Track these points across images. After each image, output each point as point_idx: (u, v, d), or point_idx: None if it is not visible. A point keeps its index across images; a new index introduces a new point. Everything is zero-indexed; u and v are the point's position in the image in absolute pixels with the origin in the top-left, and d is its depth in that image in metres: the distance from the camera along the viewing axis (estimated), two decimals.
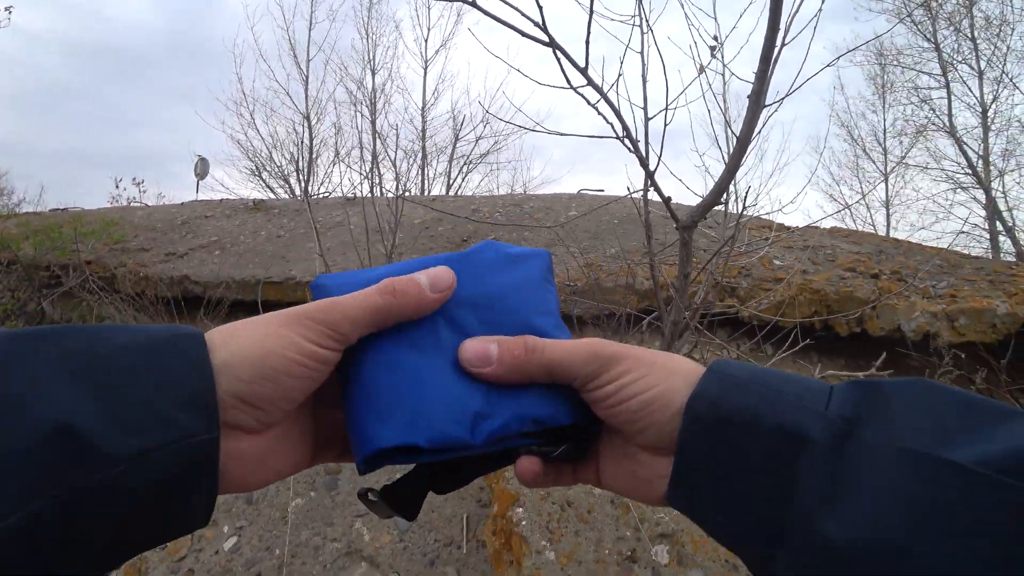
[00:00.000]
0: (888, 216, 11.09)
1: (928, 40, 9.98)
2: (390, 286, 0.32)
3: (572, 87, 1.23)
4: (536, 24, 1.04)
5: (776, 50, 1.43)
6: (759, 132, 1.75)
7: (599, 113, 1.44)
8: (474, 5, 0.97)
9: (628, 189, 1.40)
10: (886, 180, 10.78)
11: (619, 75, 1.24)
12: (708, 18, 1.76)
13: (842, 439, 0.26)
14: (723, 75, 1.80)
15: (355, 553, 1.57)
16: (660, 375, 0.32)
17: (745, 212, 1.84)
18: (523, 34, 1.05)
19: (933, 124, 10.08)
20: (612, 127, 1.27)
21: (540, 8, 1.01)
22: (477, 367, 0.33)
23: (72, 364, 0.25)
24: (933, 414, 0.25)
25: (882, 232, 10.57)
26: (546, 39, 1.06)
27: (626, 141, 1.25)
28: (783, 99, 1.38)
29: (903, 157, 10.38)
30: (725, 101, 1.80)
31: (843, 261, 2.52)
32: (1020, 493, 0.21)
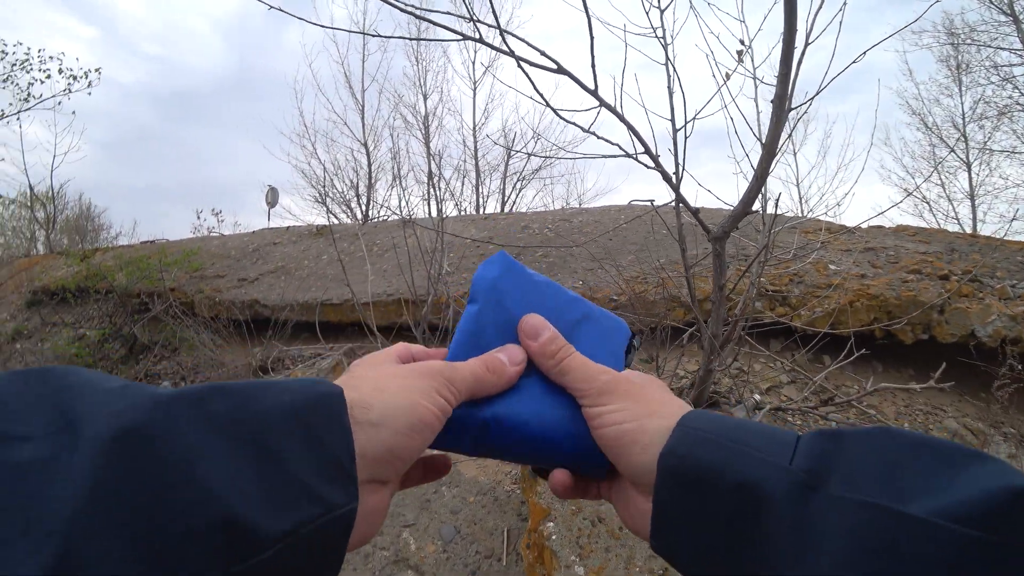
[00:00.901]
0: (973, 208, 10.11)
1: (1005, 13, 9.12)
2: (489, 364, 0.37)
3: (571, 119, 1.26)
4: (542, 53, 1.08)
5: (799, 51, 1.39)
6: (789, 135, 1.70)
7: (629, 128, 1.46)
8: (480, 41, 1.03)
9: (651, 203, 1.40)
10: (968, 169, 9.87)
11: (634, 91, 1.24)
12: (736, 21, 1.73)
13: (805, 490, 0.27)
14: (753, 79, 1.77)
15: (402, 561, 1.64)
16: (638, 412, 0.35)
17: (797, 215, 1.78)
18: (532, 64, 1.09)
19: (1018, 104, 9.16)
20: (631, 144, 1.28)
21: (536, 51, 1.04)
22: (527, 336, 0.38)
23: (224, 431, 0.24)
24: (894, 463, 0.26)
25: (968, 227, 9.67)
26: (555, 66, 1.10)
27: (642, 158, 1.25)
28: (811, 100, 1.34)
29: (986, 142, 9.48)
30: (757, 106, 1.76)
31: (907, 263, 2.36)
32: (977, 542, 0.22)
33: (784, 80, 1.30)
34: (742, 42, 1.71)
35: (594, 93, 1.17)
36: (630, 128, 1.23)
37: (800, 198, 9.92)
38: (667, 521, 0.32)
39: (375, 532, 0.32)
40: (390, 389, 0.32)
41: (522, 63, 1.04)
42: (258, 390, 0.27)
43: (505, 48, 1.04)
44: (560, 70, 1.13)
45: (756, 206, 1.64)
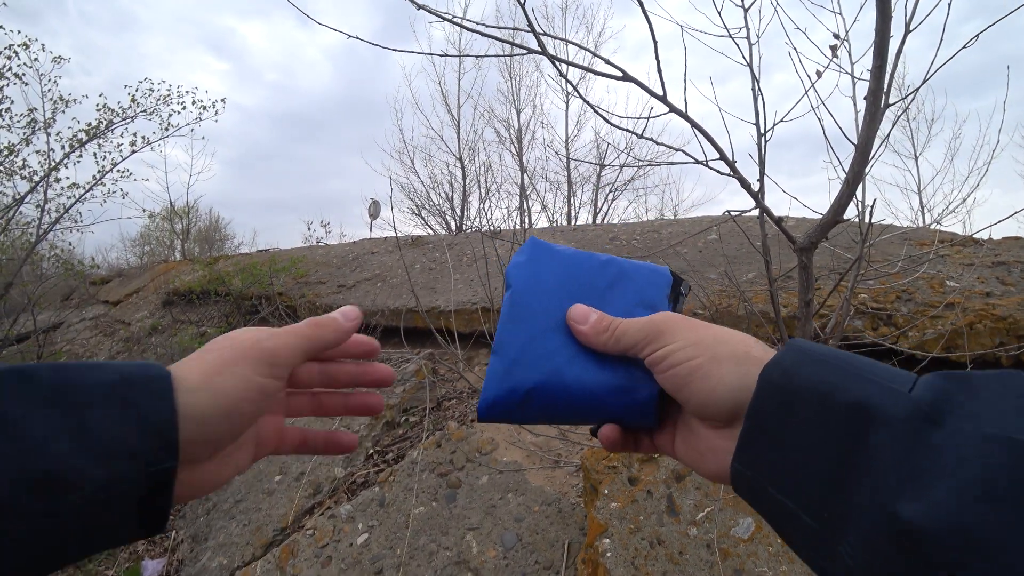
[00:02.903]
0: None
1: None
2: (314, 321, 0.40)
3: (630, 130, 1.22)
4: (606, 61, 1.07)
5: (899, 41, 1.26)
6: (887, 135, 1.54)
7: (698, 130, 1.40)
8: (543, 53, 1.04)
9: (729, 211, 1.33)
10: None
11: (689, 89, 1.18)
12: (828, 13, 1.60)
13: (924, 422, 0.25)
14: (851, 76, 1.62)
15: (463, 563, 1.67)
16: (704, 346, 0.35)
17: (917, 224, 1.61)
18: (596, 72, 1.09)
19: None
20: (700, 151, 1.23)
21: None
22: (578, 323, 0.41)
23: (48, 397, 0.28)
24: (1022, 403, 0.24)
25: None
26: (619, 74, 1.09)
27: (713, 165, 1.20)
28: (913, 93, 1.20)
29: None
30: (855, 105, 1.61)
31: None
32: None
33: (878, 74, 1.18)
34: (836, 35, 1.58)
35: (662, 99, 1.14)
36: (699, 130, 1.18)
37: (922, 207, 8.85)
38: (760, 442, 0.30)
39: (206, 491, 0.36)
40: (203, 374, 0.34)
41: (588, 71, 1.04)
42: (88, 368, 0.31)
43: (565, 59, 1.04)
44: (625, 77, 1.12)
45: (851, 214, 1.50)
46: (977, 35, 1.19)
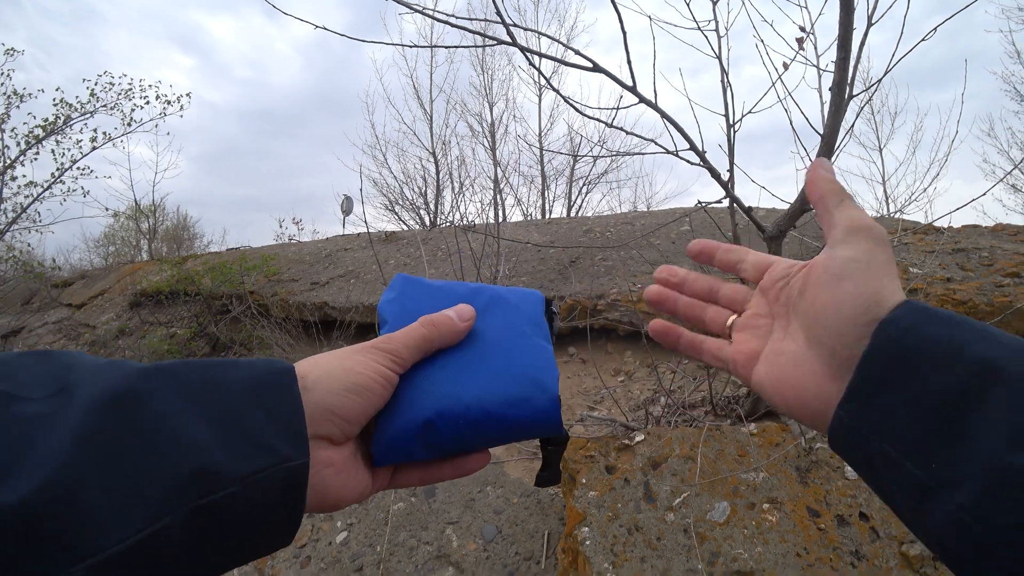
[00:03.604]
0: None
1: None
2: (428, 320, 0.41)
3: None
4: (577, 52, 1.07)
5: (862, 34, 1.29)
6: (851, 126, 1.58)
7: (669, 122, 1.42)
8: (516, 45, 1.04)
9: (700, 202, 1.34)
10: None
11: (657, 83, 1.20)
12: (794, 6, 1.63)
13: None
14: (817, 68, 1.66)
15: (444, 557, 1.67)
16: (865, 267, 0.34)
17: (883, 215, 1.65)
18: (568, 64, 1.09)
19: None
20: (672, 142, 1.24)
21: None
22: (462, 321, 0.42)
23: (194, 397, 0.29)
24: None
25: None
26: (590, 65, 1.09)
27: (684, 155, 1.21)
28: (875, 85, 1.24)
29: None
30: (821, 97, 1.64)
31: (1004, 264, 2.11)
32: None
33: (843, 65, 1.21)
34: (802, 29, 1.61)
35: (632, 89, 1.14)
36: (670, 121, 1.19)
37: (886, 197, 9.13)
38: (871, 395, 0.30)
39: (345, 495, 0.36)
40: (328, 361, 0.37)
41: (560, 62, 1.03)
42: (224, 366, 0.32)
43: (537, 51, 1.04)
44: (596, 68, 1.12)
45: None
46: (935, 28, 1.22)
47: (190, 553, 0.27)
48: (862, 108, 1.49)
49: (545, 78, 1.17)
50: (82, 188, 5.54)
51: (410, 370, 0.40)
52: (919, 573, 1.09)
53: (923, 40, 1.17)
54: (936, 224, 2.86)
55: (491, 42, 1.13)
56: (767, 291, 0.41)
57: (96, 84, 5.53)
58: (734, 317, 0.43)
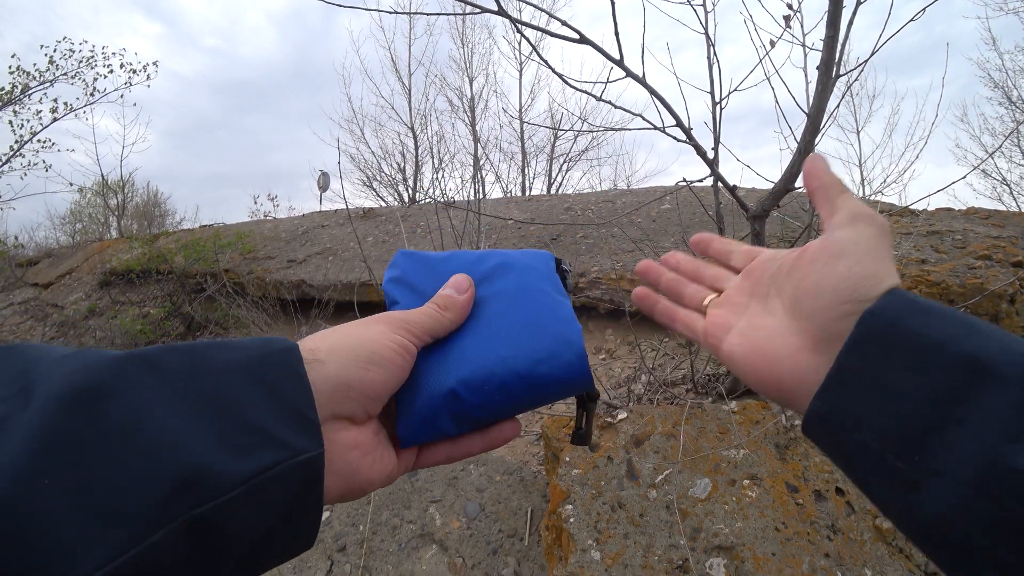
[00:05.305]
0: None
1: None
2: (436, 302, 0.38)
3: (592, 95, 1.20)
4: (563, 23, 1.04)
5: (851, 12, 1.28)
6: (836, 107, 1.58)
7: (655, 97, 1.39)
8: (501, 13, 1.00)
9: (684, 179, 1.33)
10: None
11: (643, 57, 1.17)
12: None
13: None
14: (804, 46, 1.64)
15: (427, 536, 1.68)
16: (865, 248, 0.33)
17: (859, 197, 1.66)
18: (553, 34, 1.05)
19: None
20: (659, 118, 1.22)
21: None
22: (459, 293, 0.39)
23: (178, 386, 0.25)
24: None
25: None
26: (576, 36, 1.06)
27: (670, 131, 1.19)
28: (862, 65, 1.23)
29: None
30: (806, 76, 1.64)
31: (976, 247, 2.16)
32: None
33: (831, 44, 1.19)
34: (789, 5, 1.59)
35: (619, 63, 1.11)
36: (657, 97, 1.17)
37: (863, 180, 9.27)
38: (852, 385, 0.29)
39: (369, 480, 0.33)
40: (339, 333, 0.33)
41: (545, 32, 1.00)
42: (211, 348, 0.28)
43: (522, 20, 1.00)
44: (583, 40, 1.09)
45: (800, 183, 1.54)
46: (924, 8, 1.22)
47: (192, 574, 0.24)
48: (844, 93, 1.49)
49: (532, 46, 1.13)
50: (44, 162, 5.30)
51: (423, 348, 0.37)
52: (891, 545, 1.13)
53: (912, 20, 1.16)
54: (911, 207, 2.91)
55: (475, 10, 1.08)
56: (752, 272, 0.41)
57: (55, 51, 5.25)
58: (713, 296, 0.43)
